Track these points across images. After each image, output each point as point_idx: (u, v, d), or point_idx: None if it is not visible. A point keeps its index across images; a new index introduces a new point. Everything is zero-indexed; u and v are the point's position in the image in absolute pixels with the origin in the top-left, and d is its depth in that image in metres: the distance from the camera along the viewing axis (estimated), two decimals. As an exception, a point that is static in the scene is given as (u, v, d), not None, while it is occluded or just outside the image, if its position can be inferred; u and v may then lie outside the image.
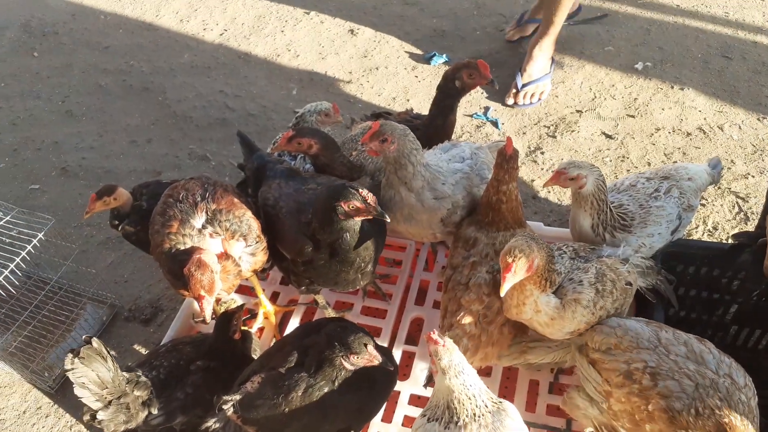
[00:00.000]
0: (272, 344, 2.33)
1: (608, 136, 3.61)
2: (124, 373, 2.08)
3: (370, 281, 2.53)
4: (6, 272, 2.68)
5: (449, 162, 2.40)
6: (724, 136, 3.54)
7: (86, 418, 2.07)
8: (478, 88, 3.50)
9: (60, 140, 4.05)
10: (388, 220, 2.06)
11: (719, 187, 3.25)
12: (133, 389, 2.08)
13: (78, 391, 1.99)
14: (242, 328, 2.34)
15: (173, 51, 4.67)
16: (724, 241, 3.00)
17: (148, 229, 2.29)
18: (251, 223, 2.25)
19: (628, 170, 3.41)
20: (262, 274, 2.82)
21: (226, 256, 2.19)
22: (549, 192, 3.35)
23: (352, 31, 4.63)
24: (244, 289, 2.82)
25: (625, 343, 1.90)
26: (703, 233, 3.07)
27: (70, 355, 1.93)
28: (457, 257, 2.29)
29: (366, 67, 4.30)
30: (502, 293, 1.84)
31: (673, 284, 2.29)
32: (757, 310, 2.38)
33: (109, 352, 2.01)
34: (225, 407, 1.92)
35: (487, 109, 3.87)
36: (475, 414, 1.70)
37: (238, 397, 1.93)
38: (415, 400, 2.39)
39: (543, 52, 3.84)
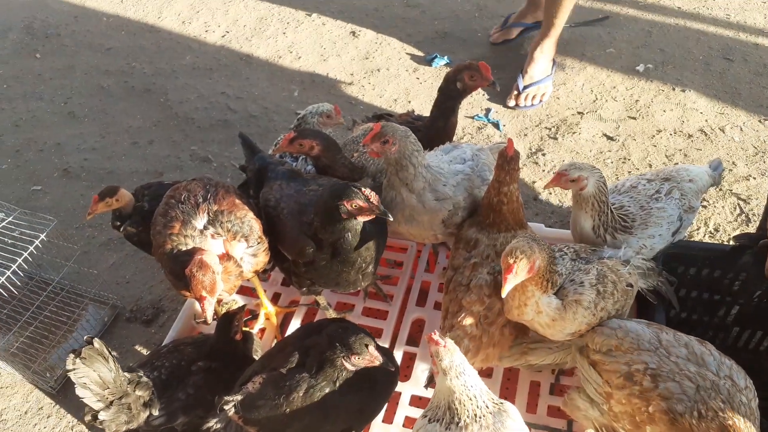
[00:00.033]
0: (273, 345, 2.33)
1: (609, 138, 3.62)
2: (126, 374, 2.08)
3: (371, 282, 2.53)
4: (8, 273, 2.69)
5: (450, 163, 2.40)
6: (725, 137, 3.54)
7: (88, 418, 2.07)
8: (480, 89, 3.51)
9: (62, 141, 4.06)
10: (391, 219, 2.06)
11: (720, 189, 3.25)
12: (135, 389, 2.08)
13: (79, 391, 1.99)
14: (243, 329, 2.34)
15: (175, 53, 4.68)
16: (725, 243, 3.00)
17: (150, 230, 2.29)
18: (253, 224, 2.25)
19: (630, 172, 3.41)
20: (263, 275, 2.82)
21: (228, 257, 2.19)
22: (550, 193, 3.35)
23: (353, 32, 4.63)
24: (246, 290, 2.83)
25: (625, 344, 1.90)
26: (705, 235, 3.07)
27: (71, 356, 1.94)
28: (458, 258, 2.29)
29: (367, 69, 4.30)
30: (504, 294, 1.84)
31: (674, 286, 2.29)
32: (758, 312, 2.38)
33: (110, 353, 2.02)
34: (226, 408, 1.92)
35: (488, 110, 3.88)
36: (476, 415, 1.70)
37: (239, 397, 1.93)
38: (416, 401, 2.39)
39: (544, 53, 3.85)
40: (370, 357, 1.90)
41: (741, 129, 3.57)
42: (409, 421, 2.34)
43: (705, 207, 3.18)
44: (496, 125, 3.76)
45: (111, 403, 2.03)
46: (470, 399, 1.69)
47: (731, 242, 2.39)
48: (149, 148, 3.95)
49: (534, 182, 3.42)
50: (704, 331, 2.49)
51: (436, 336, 1.68)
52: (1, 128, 4.20)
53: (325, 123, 2.83)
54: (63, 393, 2.77)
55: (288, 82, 4.31)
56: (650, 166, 3.43)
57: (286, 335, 2.52)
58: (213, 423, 1.99)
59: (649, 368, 1.82)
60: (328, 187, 2.17)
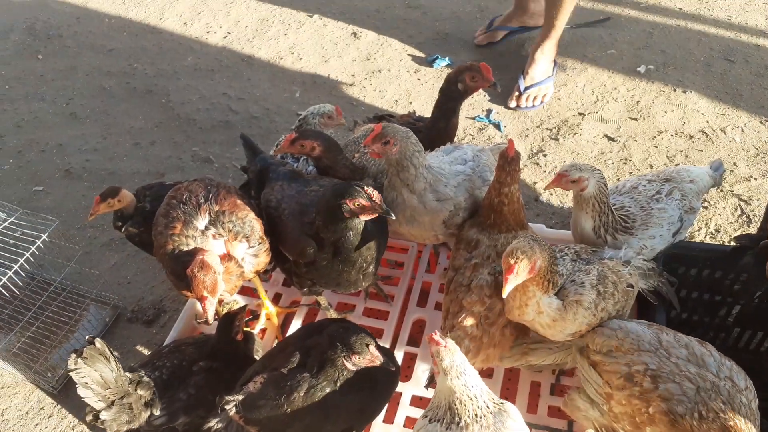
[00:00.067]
0: (274, 345, 2.33)
1: (611, 139, 3.62)
2: (127, 374, 2.08)
3: (372, 283, 2.53)
4: (10, 273, 2.70)
5: (451, 164, 2.41)
6: (726, 138, 3.54)
7: (89, 418, 2.07)
8: (481, 90, 3.50)
9: (64, 142, 4.07)
10: (393, 217, 2.07)
11: (722, 190, 3.26)
12: (136, 389, 2.08)
13: (81, 391, 1.99)
14: (244, 329, 2.34)
15: (177, 54, 4.69)
16: (726, 244, 3.00)
17: (152, 231, 2.29)
18: (254, 224, 2.26)
19: (631, 173, 3.41)
20: (264, 275, 2.83)
21: (229, 257, 2.20)
22: (551, 194, 3.36)
23: (355, 34, 4.64)
24: (247, 291, 2.83)
25: (626, 345, 1.90)
26: (706, 236, 3.07)
27: (73, 355, 1.94)
28: (459, 259, 2.29)
29: (369, 70, 4.31)
30: (505, 294, 1.84)
31: (674, 286, 2.29)
32: (759, 313, 2.38)
33: (112, 352, 2.02)
34: (227, 407, 1.93)
35: (489, 111, 3.88)
36: (476, 415, 1.70)
37: (240, 397, 1.94)
38: (417, 402, 2.40)
39: (545, 55, 3.85)
40: (370, 356, 1.90)
41: (742, 130, 3.57)
42: (409, 422, 2.34)
43: (706, 208, 3.18)
44: (497, 126, 3.77)
45: (112, 402, 2.04)
46: (471, 399, 1.70)
47: (732, 243, 2.39)
48: (151, 149, 3.96)
49: (535, 183, 3.42)
50: (705, 331, 2.49)
51: (436, 336, 1.69)
52: (3, 129, 4.21)
53: (327, 124, 2.84)
54: (64, 393, 2.78)
55: (289, 83, 4.32)
56: (651, 167, 3.44)
57: (287, 335, 2.52)
58: (214, 423, 2.00)
59: (649, 369, 1.82)
60: (331, 186, 2.17)
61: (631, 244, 2.26)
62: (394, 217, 2.08)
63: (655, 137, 3.59)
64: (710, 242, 3.03)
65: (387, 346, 2.52)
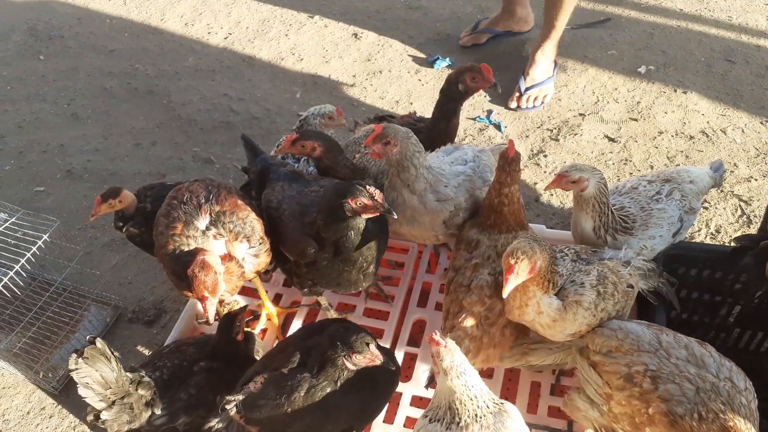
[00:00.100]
0: (275, 345, 2.33)
1: (611, 140, 3.62)
2: (128, 374, 2.09)
3: (372, 283, 2.53)
4: (11, 273, 2.70)
5: (452, 164, 2.41)
6: (727, 139, 3.54)
7: (90, 418, 2.08)
8: (482, 91, 3.50)
9: (65, 143, 4.07)
10: (395, 216, 2.07)
11: (722, 191, 3.26)
12: (137, 389, 2.09)
13: (82, 391, 2.00)
14: (245, 329, 2.34)
15: (178, 54, 4.70)
16: (726, 244, 3.00)
17: (152, 231, 2.30)
18: (255, 224, 2.26)
19: (631, 173, 3.41)
20: (265, 275, 2.83)
21: (230, 257, 2.20)
22: (551, 195, 3.36)
23: (355, 34, 4.65)
24: (248, 291, 2.83)
25: (625, 345, 1.90)
26: (706, 236, 3.07)
27: (74, 355, 1.94)
28: (459, 259, 2.30)
29: (369, 71, 4.31)
30: (505, 295, 1.84)
31: (674, 287, 2.29)
32: (759, 313, 2.38)
33: (112, 352, 2.02)
34: (228, 407, 1.93)
35: (490, 112, 3.88)
36: (476, 415, 1.70)
37: (241, 397, 1.94)
38: (417, 402, 2.40)
39: (546, 55, 3.85)
40: (371, 356, 1.90)
41: (742, 131, 3.57)
42: (410, 422, 2.34)
43: (706, 208, 3.18)
44: (498, 127, 3.77)
45: (113, 402, 2.04)
46: (471, 399, 1.70)
47: (732, 243, 2.39)
48: (152, 149, 3.97)
49: (535, 183, 3.42)
50: (705, 332, 2.49)
51: (437, 336, 1.69)
52: (5, 129, 4.22)
53: (327, 124, 2.84)
54: (65, 393, 2.78)
55: (290, 83, 4.32)
56: (651, 167, 3.44)
57: (287, 335, 2.52)
58: (215, 423, 2.00)
59: (649, 370, 1.82)
60: (332, 185, 2.18)
61: (631, 245, 2.26)
62: (396, 216, 2.08)
63: (655, 138, 3.59)
64: (710, 243, 3.03)
65: (387, 346, 2.53)
